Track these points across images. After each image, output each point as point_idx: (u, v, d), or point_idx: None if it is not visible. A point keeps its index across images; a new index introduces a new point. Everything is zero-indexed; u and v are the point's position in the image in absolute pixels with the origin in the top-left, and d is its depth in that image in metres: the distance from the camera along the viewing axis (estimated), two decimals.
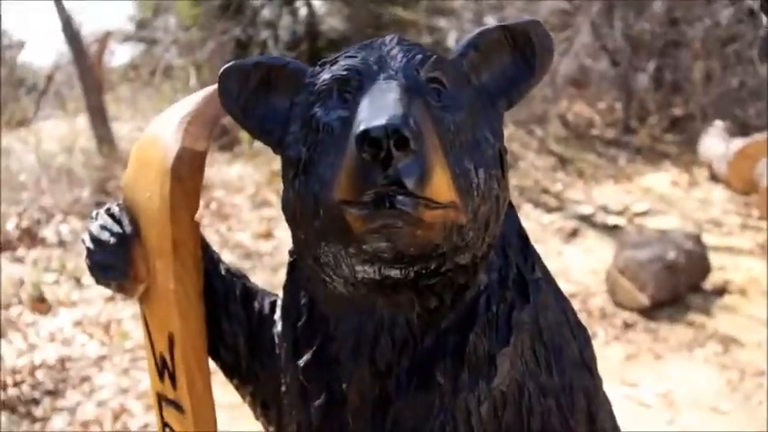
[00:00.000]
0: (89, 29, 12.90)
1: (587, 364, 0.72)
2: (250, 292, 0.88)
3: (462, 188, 0.59)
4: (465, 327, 0.65)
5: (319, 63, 0.71)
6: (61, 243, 4.55)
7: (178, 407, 0.81)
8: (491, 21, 8.22)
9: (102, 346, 3.18)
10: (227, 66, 0.69)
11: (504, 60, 0.68)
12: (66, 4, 6.46)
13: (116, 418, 2.60)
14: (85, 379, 2.90)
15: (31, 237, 4.58)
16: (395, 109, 0.55)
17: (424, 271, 0.60)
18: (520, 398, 0.66)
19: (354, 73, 0.64)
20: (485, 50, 0.68)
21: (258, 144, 6.80)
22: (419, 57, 0.64)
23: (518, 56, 0.68)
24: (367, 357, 0.66)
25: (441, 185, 0.56)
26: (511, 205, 0.69)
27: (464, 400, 0.64)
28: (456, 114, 0.62)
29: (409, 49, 0.65)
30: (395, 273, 0.60)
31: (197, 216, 0.80)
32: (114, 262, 0.79)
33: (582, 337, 0.73)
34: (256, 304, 0.87)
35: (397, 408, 0.65)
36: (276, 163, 6.18)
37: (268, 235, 4.74)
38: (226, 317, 0.85)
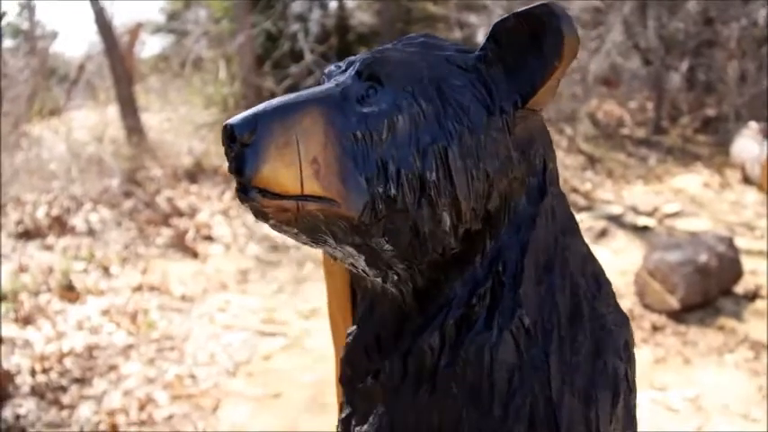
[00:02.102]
0: (121, 20, 13.02)
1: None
2: None
3: (356, 184, 0.60)
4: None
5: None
6: (90, 232, 4.60)
7: None
8: None
9: (128, 336, 3.20)
10: None
11: (523, 50, 0.65)
12: None
13: (142, 407, 2.62)
14: (112, 368, 2.92)
15: (60, 225, 4.63)
16: (253, 110, 0.60)
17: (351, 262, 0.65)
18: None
19: (322, 76, 0.69)
20: (505, 42, 0.65)
21: None
22: (365, 59, 0.65)
23: (534, 44, 0.64)
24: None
25: (281, 178, 0.58)
26: (533, 222, 0.65)
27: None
28: (380, 113, 0.62)
29: (378, 51, 0.66)
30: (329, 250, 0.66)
31: None
32: None
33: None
34: None
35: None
36: None
37: None
38: None
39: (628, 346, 0.68)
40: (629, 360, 0.68)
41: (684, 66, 6.95)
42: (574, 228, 0.68)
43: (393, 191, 0.60)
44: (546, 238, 0.65)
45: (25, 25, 8.84)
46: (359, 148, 0.61)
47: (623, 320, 0.69)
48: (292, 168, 0.59)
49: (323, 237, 0.62)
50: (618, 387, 0.65)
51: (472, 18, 8.00)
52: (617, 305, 0.69)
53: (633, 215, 4.67)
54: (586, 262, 0.68)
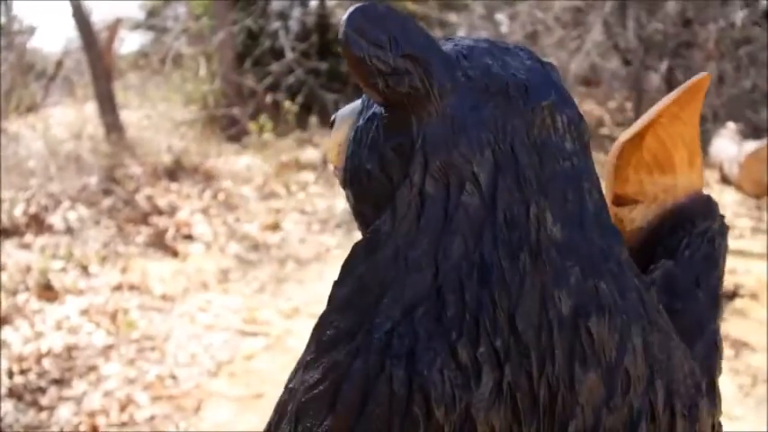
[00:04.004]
0: (99, 16, 12.88)
1: None
2: None
3: None
4: None
5: None
6: (69, 230, 4.54)
7: None
8: (502, 17, 8.17)
9: (108, 336, 3.17)
10: None
11: None
12: None
13: (122, 408, 2.59)
14: (92, 368, 2.89)
15: (38, 223, 4.57)
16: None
17: None
18: None
19: None
20: None
21: (267, 136, 6.82)
22: None
23: None
24: None
25: (329, 154, 0.62)
26: None
27: None
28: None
29: None
30: None
31: None
32: None
33: None
34: None
35: None
36: (284, 155, 6.20)
37: (275, 227, 4.73)
38: None
39: None
40: None
41: (663, 66, 7.00)
42: None
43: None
44: None
45: (2, 20, 8.72)
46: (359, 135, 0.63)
47: None
48: (332, 149, 0.62)
49: None
50: None
51: (453, 17, 8.02)
52: None
53: None
54: None
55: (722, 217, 0.67)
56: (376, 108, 0.54)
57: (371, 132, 0.53)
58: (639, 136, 0.65)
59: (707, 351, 0.59)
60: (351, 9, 0.49)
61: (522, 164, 0.49)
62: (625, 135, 0.66)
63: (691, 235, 0.64)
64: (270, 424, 0.50)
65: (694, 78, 0.66)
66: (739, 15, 6.17)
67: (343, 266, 0.49)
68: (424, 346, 0.45)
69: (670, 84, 7.28)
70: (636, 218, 0.65)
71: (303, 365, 0.49)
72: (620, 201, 0.66)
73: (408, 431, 0.44)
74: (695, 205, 0.66)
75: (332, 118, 0.64)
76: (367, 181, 0.52)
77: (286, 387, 0.49)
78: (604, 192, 0.63)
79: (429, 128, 0.49)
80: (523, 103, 0.50)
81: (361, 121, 0.56)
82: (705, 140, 6.01)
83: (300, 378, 0.48)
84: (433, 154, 0.48)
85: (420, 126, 0.49)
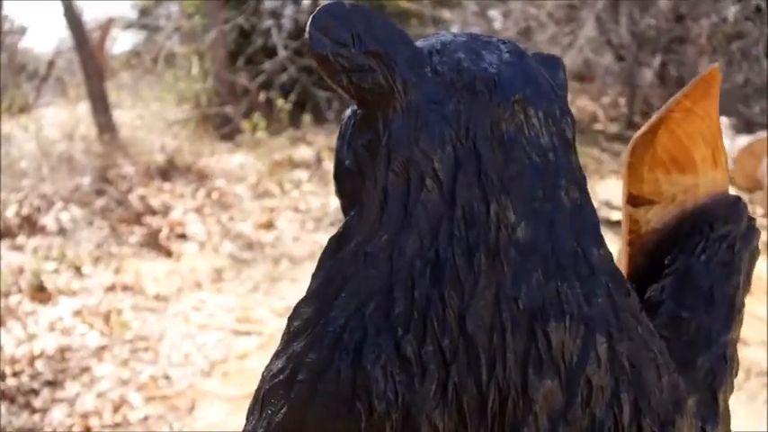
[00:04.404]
0: (91, 15, 12.86)
1: None
2: None
3: None
4: None
5: None
6: (61, 231, 4.53)
7: None
8: (495, 13, 8.18)
9: (101, 337, 3.16)
10: None
11: None
12: None
13: (116, 409, 2.58)
14: (85, 370, 2.88)
15: (31, 224, 4.56)
16: None
17: None
18: None
19: None
20: None
21: (260, 134, 6.81)
22: None
23: None
24: None
25: None
26: None
27: None
28: None
29: None
30: None
31: None
32: None
33: None
34: None
35: None
36: (277, 153, 6.19)
37: (269, 225, 4.72)
38: None
39: None
40: None
41: (656, 62, 7.01)
42: None
43: None
44: None
45: None
46: (343, 131, 0.63)
47: None
48: None
49: None
50: None
51: (446, 14, 8.01)
52: None
53: (607, 210, 4.70)
54: None
55: (751, 219, 0.63)
56: (354, 105, 0.54)
57: (350, 128, 0.53)
58: (651, 132, 0.62)
59: (712, 365, 0.55)
60: (317, 8, 0.49)
61: (483, 160, 0.47)
62: (639, 132, 0.64)
63: (708, 239, 0.59)
64: (248, 409, 0.51)
65: (703, 72, 0.64)
66: (731, 11, 6.18)
67: (319, 259, 0.49)
68: (370, 342, 0.44)
69: (663, 79, 7.29)
70: (652, 219, 0.61)
71: (274, 354, 0.49)
72: (635, 201, 0.62)
73: (351, 426, 0.44)
74: (717, 207, 0.62)
75: None
76: (346, 176, 0.52)
77: (261, 374, 0.50)
78: (621, 190, 0.61)
79: (394, 124, 0.48)
80: (489, 97, 0.49)
81: (345, 118, 0.55)
82: None
83: (269, 366, 0.49)
84: (396, 150, 0.47)
85: (386, 122, 0.49)
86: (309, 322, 0.47)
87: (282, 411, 0.47)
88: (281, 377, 0.47)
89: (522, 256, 0.46)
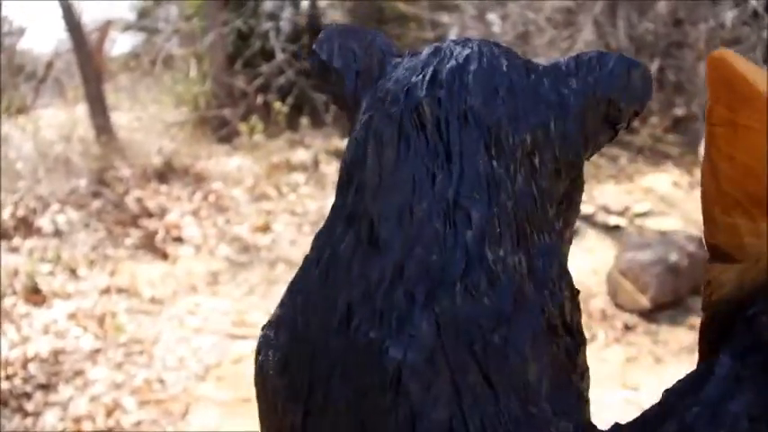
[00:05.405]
0: (90, 17, 12.82)
1: None
2: None
3: None
4: None
5: None
6: (57, 233, 4.51)
7: None
8: (494, 17, 8.17)
9: (96, 340, 3.14)
10: None
11: None
12: None
13: (109, 413, 2.57)
14: (79, 373, 2.87)
15: (26, 226, 4.54)
16: None
17: None
18: None
19: None
20: None
21: (257, 137, 6.81)
22: None
23: None
24: None
25: None
26: None
27: None
28: None
29: None
30: None
31: None
32: None
33: None
34: None
35: None
36: (275, 156, 6.18)
37: (266, 228, 4.71)
38: None
39: None
40: None
41: (654, 66, 7.01)
42: None
43: None
44: None
45: None
46: None
47: None
48: None
49: None
50: None
51: (444, 17, 8.01)
52: None
53: (604, 214, 4.69)
54: None
55: None
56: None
57: None
58: (707, 155, 0.42)
59: None
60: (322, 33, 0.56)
61: (367, 169, 0.47)
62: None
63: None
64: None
65: (708, 61, 0.43)
66: (729, 16, 6.18)
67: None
68: (273, 314, 0.48)
69: (661, 83, 7.29)
70: (726, 283, 0.42)
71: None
72: (714, 253, 0.42)
73: (258, 392, 0.48)
74: None
75: None
76: None
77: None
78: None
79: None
80: (393, 106, 0.48)
81: None
82: (695, 140, 6.02)
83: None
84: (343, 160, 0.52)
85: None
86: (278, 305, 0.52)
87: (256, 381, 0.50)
88: (257, 355, 0.51)
89: (363, 266, 0.44)
